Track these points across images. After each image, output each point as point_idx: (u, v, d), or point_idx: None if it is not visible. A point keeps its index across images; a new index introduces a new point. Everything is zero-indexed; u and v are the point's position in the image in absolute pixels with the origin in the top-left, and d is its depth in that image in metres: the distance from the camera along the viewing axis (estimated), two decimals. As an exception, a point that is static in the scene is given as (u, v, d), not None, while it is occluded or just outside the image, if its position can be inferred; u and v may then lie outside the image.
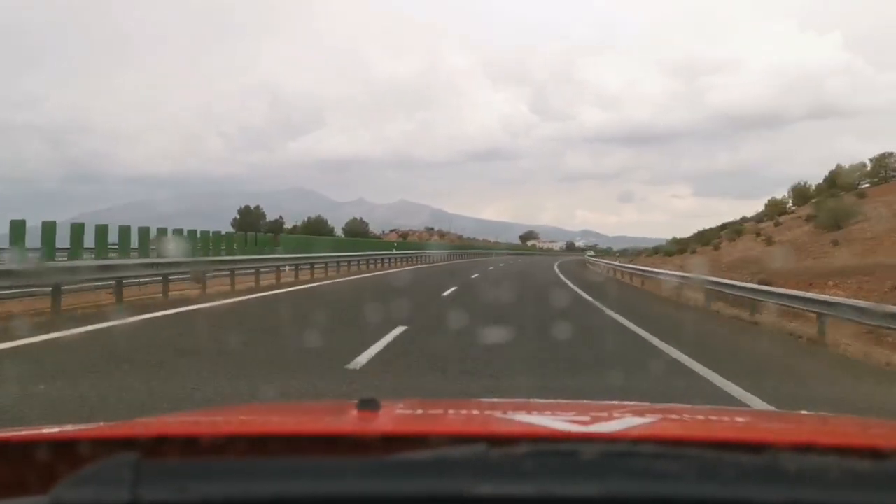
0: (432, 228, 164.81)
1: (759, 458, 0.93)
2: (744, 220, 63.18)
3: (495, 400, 2.42)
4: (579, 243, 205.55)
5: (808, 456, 0.95)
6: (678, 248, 55.50)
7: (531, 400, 2.10)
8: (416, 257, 47.76)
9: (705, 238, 55.57)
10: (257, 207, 68.27)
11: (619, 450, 0.97)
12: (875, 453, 0.98)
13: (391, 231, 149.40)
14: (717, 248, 46.11)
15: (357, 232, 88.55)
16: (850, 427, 1.67)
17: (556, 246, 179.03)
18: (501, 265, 49.06)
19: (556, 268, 44.93)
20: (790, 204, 58.16)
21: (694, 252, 47.49)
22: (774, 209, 56.88)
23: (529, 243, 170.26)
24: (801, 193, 57.87)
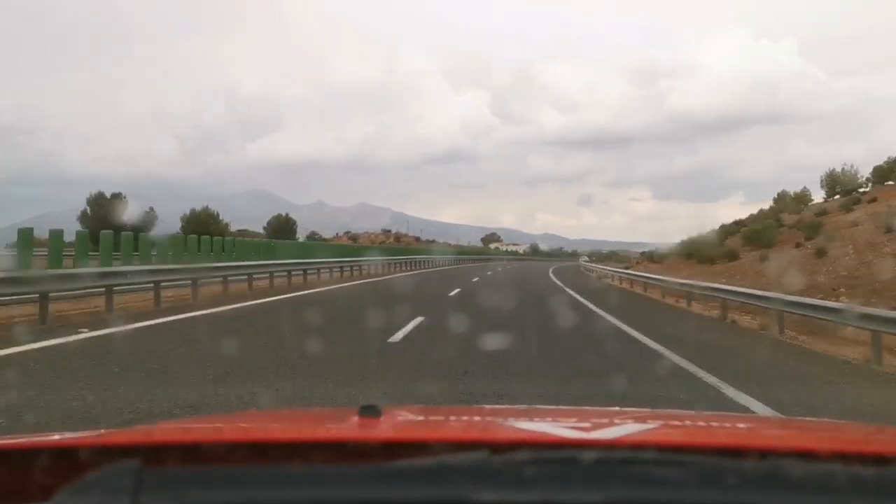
0: (389, 231, 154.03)
1: (761, 465, 0.93)
2: (770, 214, 53.06)
3: (497, 406, 2.34)
4: (543, 247, 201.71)
5: (810, 462, 0.95)
6: (724, 251, 36.46)
7: (533, 406, 2.10)
8: (354, 267, 32.55)
9: (758, 236, 37.68)
10: (205, 208, 61.81)
11: (621, 456, 0.96)
12: (878, 460, 0.98)
13: (344, 234, 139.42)
14: (799, 246, 31.56)
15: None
16: (853, 433, 1.66)
17: (521, 249, 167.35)
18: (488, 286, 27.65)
19: (583, 299, 21.63)
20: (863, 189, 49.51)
21: (766, 258, 30.26)
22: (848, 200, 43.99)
23: (492, 246, 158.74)
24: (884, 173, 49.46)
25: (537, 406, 2.27)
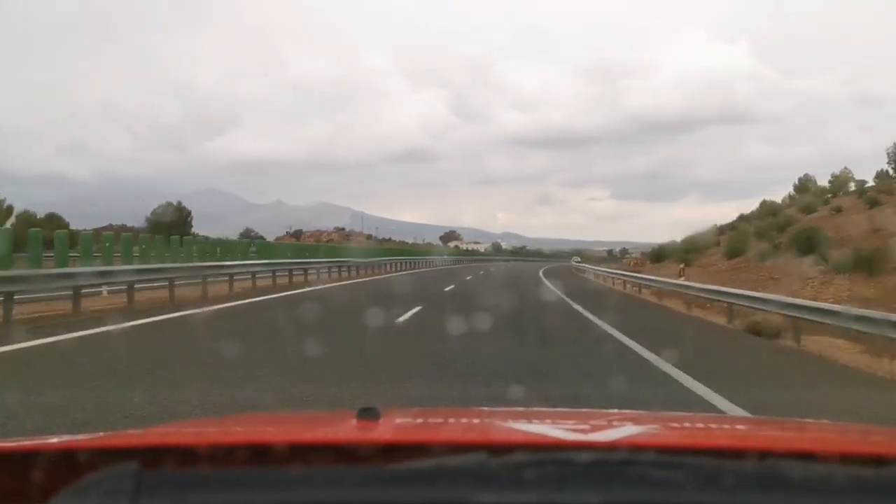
0: (343, 229, 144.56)
1: (760, 466, 0.93)
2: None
3: (495, 409, 2.18)
4: (504, 245, 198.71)
5: (809, 463, 0.94)
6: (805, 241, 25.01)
7: (531, 409, 2.11)
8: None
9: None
10: (178, 203, 56.57)
11: (619, 458, 0.96)
12: (877, 460, 0.98)
13: (294, 232, 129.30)
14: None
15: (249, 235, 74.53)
16: (852, 434, 1.65)
17: (482, 247, 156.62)
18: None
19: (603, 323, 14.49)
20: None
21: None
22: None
23: (451, 244, 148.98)
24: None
25: (536, 408, 2.23)
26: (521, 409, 2.38)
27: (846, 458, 0.98)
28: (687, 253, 37.19)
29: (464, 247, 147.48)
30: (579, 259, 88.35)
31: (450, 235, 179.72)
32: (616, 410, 1.88)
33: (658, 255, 47.01)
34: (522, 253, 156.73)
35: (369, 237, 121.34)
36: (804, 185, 54.74)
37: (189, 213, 64.59)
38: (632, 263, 53.19)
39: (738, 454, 0.98)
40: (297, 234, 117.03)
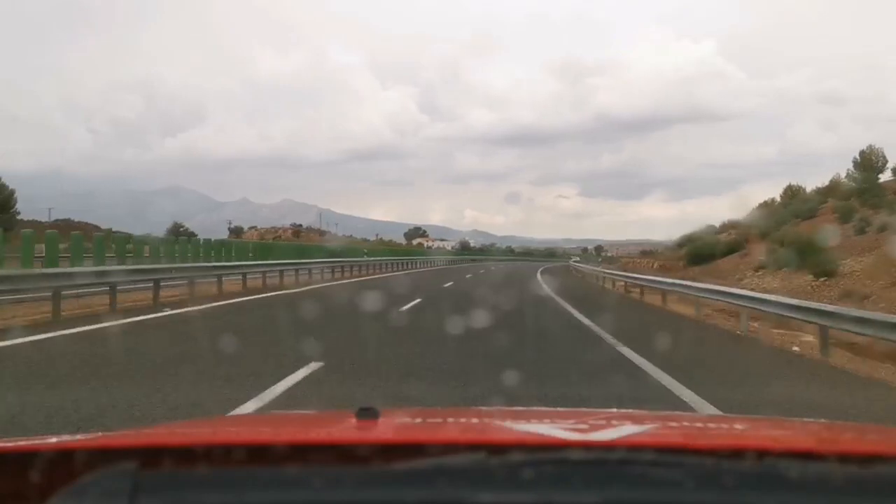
0: (300, 226, 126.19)
1: (759, 465, 0.93)
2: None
3: (494, 408, 2.27)
4: (472, 243, 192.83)
5: (807, 463, 0.95)
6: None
7: (530, 408, 2.16)
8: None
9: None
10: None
11: (618, 457, 0.96)
12: (875, 459, 0.98)
13: (233, 228, 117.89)
14: None
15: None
16: (850, 433, 1.65)
17: (448, 245, 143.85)
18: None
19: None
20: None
21: None
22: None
23: (415, 242, 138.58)
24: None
25: (535, 408, 2.23)
26: (520, 408, 2.41)
27: (844, 458, 0.98)
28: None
29: (427, 245, 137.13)
30: (578, 259, 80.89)
31: (415, 233, 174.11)
32: (614, 410, 1.88)
33: (697, 254, 39.33)
34: (518, 253, 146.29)
35: (322, 234, 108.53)
36: (795, 192, 54.74)
37: (12, 192, 49.21)
38: (657, 265, 43.63)
39: (736, 453, 0.97)
40: (238, 231, 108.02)
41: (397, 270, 43.73)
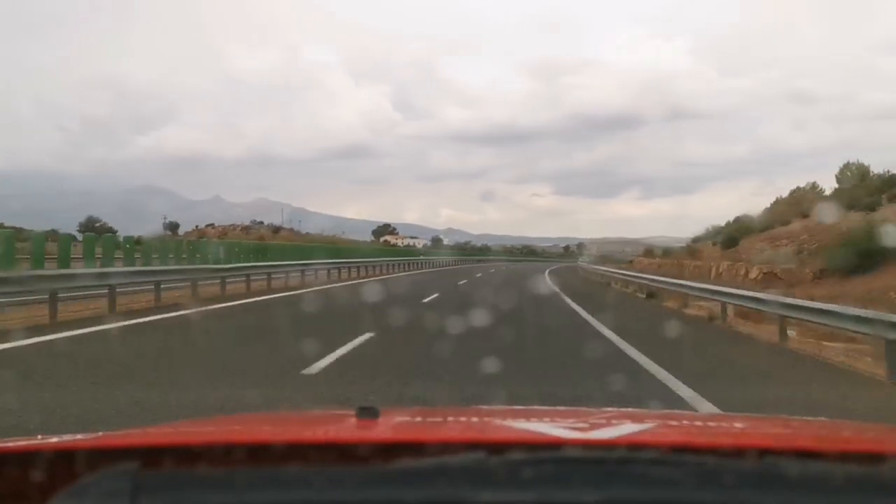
0: (262, 223, 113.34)
1: (759, 464, 0.93)
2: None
3: (494, 407, 2.32)
4: (446, 241, 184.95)
5: (808, 461, 0.94)
6: None
7: (530, 407, 2.12)
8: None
9: None
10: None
11: (618, 456, 0.96)
12: (875, 458, 0.98)
13: (206, 226, 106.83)
14: None
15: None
16: (850, 432, 1.65)
17: (419, 243, 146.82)
18: None
19: None
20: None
21: None
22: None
23: (382, 240, 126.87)
24: None
25: (535, 406, 2.28)
26: (520, 407, 2.28)
27: (844, 456, 0.98)
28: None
29: (395, 242, 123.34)
30: (588, 259, 67.52)
31: (383, 230, 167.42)
32: (615, 409, 1.90)
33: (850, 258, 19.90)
34: (518, 252, 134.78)
35: (276, 231, 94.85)
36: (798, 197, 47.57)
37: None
38: (759, 275, 27.23)
39: (736, 452, 0.97)
40: (174, 228, 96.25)
41: (390, 273, 39.89)
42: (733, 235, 38.49)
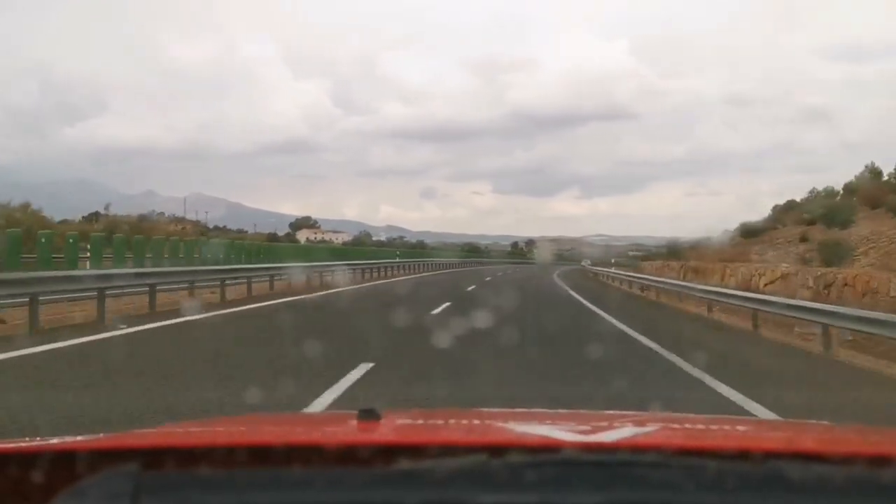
0: (170, 215, 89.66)
1: (762, 468, 0.93)
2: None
3: (496, 410, 2.34)
4: (383, 237, 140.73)
5: (811, 465, 0.94)
6: None
7: (532, 410, 2.09)
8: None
9: None
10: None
11: (620, 459, 0.97)
12: (879, 461, 0.97)
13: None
14: None
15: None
16: (853, 435, 1.64)
17: (339, 238, 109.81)
18: None
19: None
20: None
21: None
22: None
23: (297, 234, 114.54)
24: None
25: (536, 409, 2.32)
26: (521, 410, 2.29)
27: (848, 460, 0.97)
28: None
29: (317, 237, 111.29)
30: (590, 262, 59.96)
31: (303, 222, 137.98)
32: (617, 412, 1.88)
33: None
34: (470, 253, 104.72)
35: (183, 228, 71.54)
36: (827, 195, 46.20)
37: None
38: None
39: (739, 455, 0.98)
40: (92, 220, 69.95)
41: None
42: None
